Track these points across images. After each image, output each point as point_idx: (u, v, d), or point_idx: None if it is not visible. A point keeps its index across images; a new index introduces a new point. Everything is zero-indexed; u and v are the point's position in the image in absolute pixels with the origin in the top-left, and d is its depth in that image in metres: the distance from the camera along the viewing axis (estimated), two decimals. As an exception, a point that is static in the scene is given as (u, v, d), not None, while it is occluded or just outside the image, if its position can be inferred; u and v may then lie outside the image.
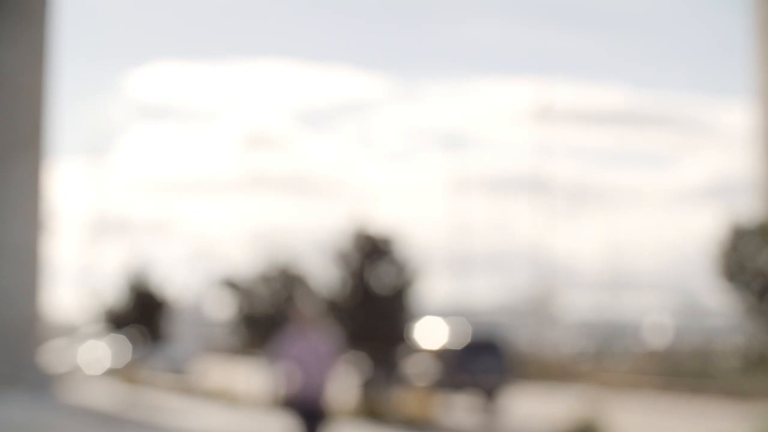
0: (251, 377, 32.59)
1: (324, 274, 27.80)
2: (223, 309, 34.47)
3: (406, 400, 22.31)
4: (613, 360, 48.12)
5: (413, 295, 29.79)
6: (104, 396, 30.80)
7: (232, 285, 33.26)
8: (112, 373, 37.37)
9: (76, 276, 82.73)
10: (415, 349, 26.30)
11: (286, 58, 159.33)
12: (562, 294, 69.91)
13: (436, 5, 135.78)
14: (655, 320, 69.67)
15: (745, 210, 26.86)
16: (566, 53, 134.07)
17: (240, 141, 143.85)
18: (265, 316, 31.83)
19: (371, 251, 28.77)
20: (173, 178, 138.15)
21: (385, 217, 28.35)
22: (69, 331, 53.12)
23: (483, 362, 25.27)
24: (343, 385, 10.44)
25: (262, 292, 32.85)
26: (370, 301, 27.97)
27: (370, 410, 22.12)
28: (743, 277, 20.81)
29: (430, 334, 26.76)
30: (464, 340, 26.03)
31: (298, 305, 10.26)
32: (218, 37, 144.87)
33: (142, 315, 34.91)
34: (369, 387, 23.81)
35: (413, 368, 25.89)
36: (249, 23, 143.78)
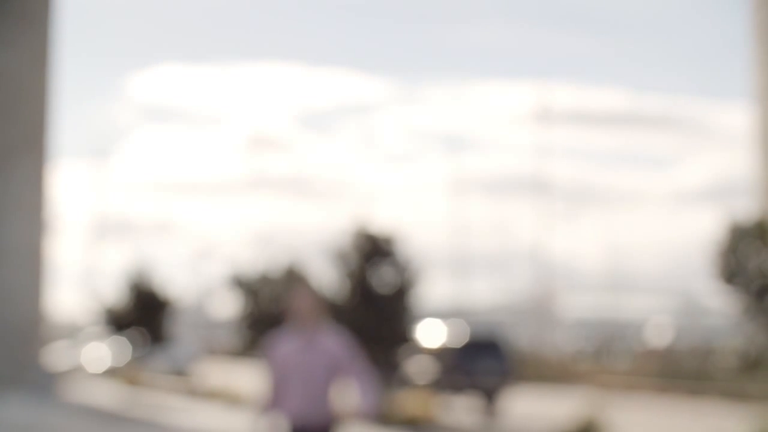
0: (253, 378, 32.72)
1: (325, 274, 27.95)
2: (225, 310, 34.62)
3: (407, 401, 22.44)
4: (613, 360, 48.24)
5: (414, 295, 29.92)
6: (106, 396, 30.94)
7: (234, 286, 33.38)
8: (114, 373, 37.51)
9: (78, 277, 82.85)
10: (416, 350, 26.43)
11: (288, 61, 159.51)
12: (563, 294, 70.05)
13: (438, 8, 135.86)
14: (655, 320, 69.80)
15: (744, 211, 26.96)
16: (567, 56, 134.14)
17: (243, 143, 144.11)
18: (268, 316, 31.94)
19: (372, 252, 28.89)
20: (175, 179, 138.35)
21: (386, 218, 28.50)
22: (72, 332, 53.26)
23: (484, 363, 25.38)
24: (356, 396, 7.56)
25: (264, 293, 32.96)
26: (371, 302, 28.09)
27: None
28: (741, 278, 20.95)
29: (432, 335, 26.88)
30: (465, 341, 26.14)
31: (298, 296, 7.85)
32: (221, 39, 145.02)
33: (144, 316, 35.03)
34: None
35: (414, 369, 26.02)
36: (252, 26, 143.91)
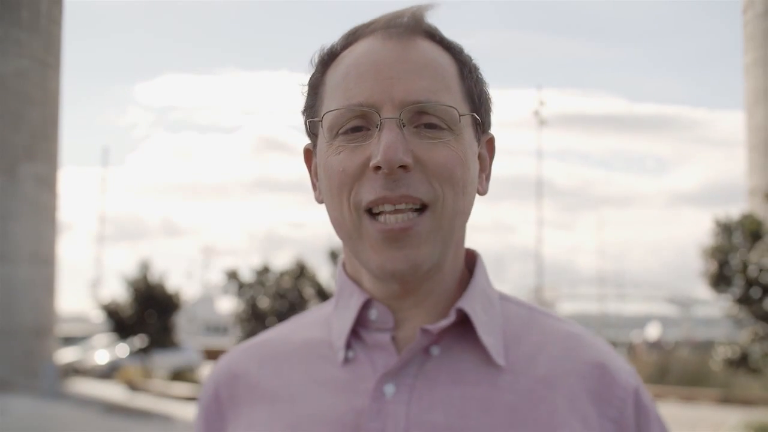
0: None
1: (327, 275, 28.55)
2: (228, 311, 35.29)
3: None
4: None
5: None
6: (113, 394, 31.56)
7: (238, 286, 33.97)
8: (121, 372, 38.14)
9: (87, 278, 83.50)
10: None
11: (293, 69, 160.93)
12: (560, 295, 70.71)
13: (438, 15, 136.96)
14: (650, 322, 70.44)
15: (738, 214, 27.45)
16: (564, 61, 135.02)
17: (248, 147, 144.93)
18: (271, 316, 32.53)
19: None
20: (182, 183, 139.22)
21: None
22: (80, 332, 53.95)
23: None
24: None
25: (267, 293, 33.52)
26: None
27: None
28: (731, 279, 21.61)
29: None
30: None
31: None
32: (227, 48, 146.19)
33: (149, 317, 35.61)
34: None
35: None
36: (256, 35, 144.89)
